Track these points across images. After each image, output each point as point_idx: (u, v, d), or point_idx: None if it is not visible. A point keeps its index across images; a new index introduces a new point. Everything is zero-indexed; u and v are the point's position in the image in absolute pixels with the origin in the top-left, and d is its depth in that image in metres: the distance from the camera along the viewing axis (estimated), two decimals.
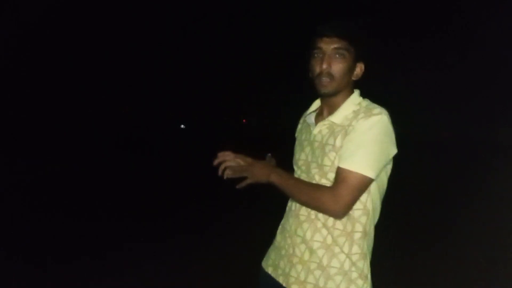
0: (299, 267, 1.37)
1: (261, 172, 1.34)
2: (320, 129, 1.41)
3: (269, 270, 1.47)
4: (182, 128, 26.68)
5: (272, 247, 1.53)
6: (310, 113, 1.50)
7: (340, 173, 1.29)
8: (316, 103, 1.51)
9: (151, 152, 12.23)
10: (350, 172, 1.27)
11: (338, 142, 1.34)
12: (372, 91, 1.46)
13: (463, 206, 5.92)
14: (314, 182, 1.37)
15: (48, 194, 6.27)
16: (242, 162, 1.36)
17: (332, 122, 1.39)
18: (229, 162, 1.35)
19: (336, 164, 1.32)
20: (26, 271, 3.34)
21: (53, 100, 19.60)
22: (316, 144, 1.40)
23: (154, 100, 25.36)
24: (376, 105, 1.36)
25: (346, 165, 1.28)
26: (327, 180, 1.34)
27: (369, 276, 1.37)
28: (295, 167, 1.49)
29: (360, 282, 1.34)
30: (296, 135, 1.58)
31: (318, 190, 1.32)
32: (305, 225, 1.38)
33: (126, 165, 9.34)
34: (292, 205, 1.45)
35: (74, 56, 20.61)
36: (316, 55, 1.37)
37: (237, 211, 5.44)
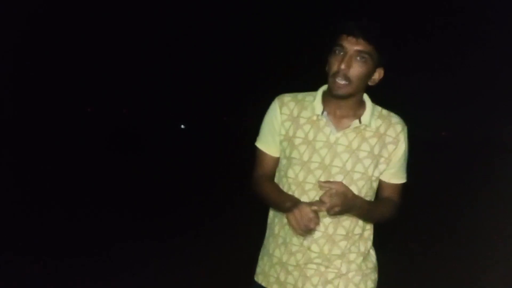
0: (315, 279, 1.37)
1: (354, 203, 1.26)
2: (345, 132, 1.34)
3: None
4: (182, 128, 26.68)
5: (267, 263, 1.46)
6: (318, 112, 1.37)
7: (390, 186, 1.42)
8: (319, 101, 1.38)
9: (151, 152, 12.22)
10: (399, 184, 1.44)
11: (376, 150, 1.34)
12: (371, 92, 1.45)
13: (464, 206, 5.92)
14: None
15: (46, 192, 6.27)
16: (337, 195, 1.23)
17: (361, 126, 1.34)
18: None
19: (371, 172, 1.35)
20: (23, 270, 3.33)
21: (53, 100, 19.60)
22: (341, 148, 1.33)
23: (154, 100, 25.36)
24: (391, 111, 1.43)
25: (397, 181, 1.42)
26: (356, 187, 1.33)
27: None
28: (299, 170, 1.36)
29: (375, 275, 1.47)
30: (282, 132, 1.39)
31: (389, 208, 1.42)
32: (322, 241, 1.35)
33: (126, 165, 9.33)
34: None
35: (74, 56, 20.61)
36: (337, 52, 1.29)
37: (236, 211, 5.43)
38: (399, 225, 4.64)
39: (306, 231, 1.21)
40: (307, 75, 1.51)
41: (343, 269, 1.38)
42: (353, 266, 1.39)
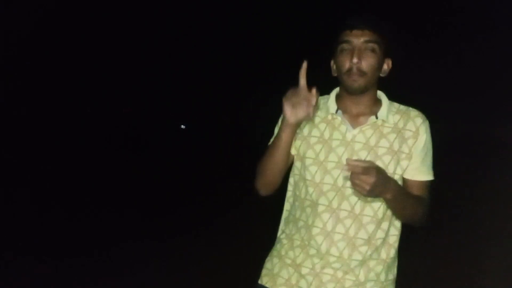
0: (330, 285, 1.30)
1: (388, 181, 1.16)
2: (362, 129, 1.30)
3: None
4: (182, 128, 26.67)
5: (278, 264, 1.39)
6: (332, 111, 1.35)
7: (415, 184, 1.32)
8: (333, 100, 1.36)
9: (151, 152, 12.22)
10: (425, 182, 1.33)
11: (395, 145, 1.28)
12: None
13: (462, 206, 5.92)
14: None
15: (46, 192, 6.27)
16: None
17: (378, 121, 1.30)
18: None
19: (392, 169, 1.28)
20: (23, 269, 3.34)
21: (54, 100, 19.60)
22: (359, 145, 1.29)
23: (154, 100, 25.36)
24: (409, 106, 1.37)
25: (421, 177, 1.32)
26: None
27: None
28: (315, 170, 1.31)
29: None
30: (297, 130, 1.35)
31: (421, 203, 1.31)
32: (341, 244, 1.28)
33: (126, 165, 9.34)
34: (315, 221, 1.31)
35: (75, 56, 20.61)
36: (344, 49, 1.27)
37: (237, 211, 5.43)
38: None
39: (309, 107, 1.18)
40: (311, 76, 1.46)
41: (361, 277, 1.30)
42: (372, 275, 1.32)
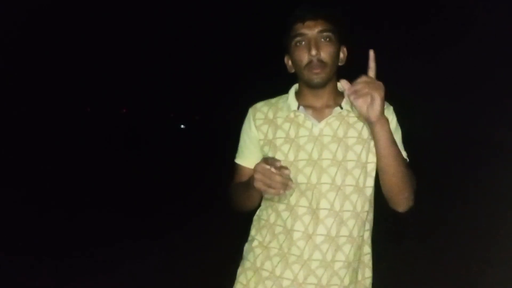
0: None
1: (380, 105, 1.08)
2: (328, 122, 1.25)
3: None
4: (182, 128, 26.67)
5: (254, 278, 1.30)
6: (294, 108, 1.29)
7: None
8: (293, 97, 1.31)
9: (150, 151, 12.23)
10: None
11: (364, 134, 1.23)
12: None
13: (460, 205, 5.92)
14: (330, 184, 1.22)
15: (45, 192, 6.28)
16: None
17: (343, 112, 1.25)
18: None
19: (364, 158, 1.23)
20: (16, 268, 3.36)
21: (52, 100, 19.60)
22: (327, 138, 1.23)
23: (154, 100, 25.35)
24: None
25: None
26: (352, 177, 1.22)
27: None
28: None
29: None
30: (260, 137, 1.30)
31: (411, 174, 1.21)
32: (324, 246, 1.22)
33: (126, 165, 9.34)
34: (294, 225, 1.24)
35: (74, 56, 20.61)
36: (299, 43, 1.21)
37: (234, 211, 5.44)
38: (396, 224, 4.67)
39: (278, 187, 1.03)
40: (286, 70, 1.40)
41: (346, 281, 1.25)
42: (354, 276, 1.28)
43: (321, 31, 1.20)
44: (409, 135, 1.50)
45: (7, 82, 17.10)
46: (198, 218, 5.09)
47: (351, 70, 1.27)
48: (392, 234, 4.11)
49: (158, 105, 25.65)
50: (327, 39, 1.21)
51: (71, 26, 19.73)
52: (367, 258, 1.32)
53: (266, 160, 1.06)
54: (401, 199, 1.22)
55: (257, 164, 1.06)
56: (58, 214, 5.11)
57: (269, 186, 1.04)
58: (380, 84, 1.07)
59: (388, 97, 1.16)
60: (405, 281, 3.33)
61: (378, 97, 1.05)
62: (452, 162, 9.90)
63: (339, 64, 1.28)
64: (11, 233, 4.26)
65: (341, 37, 1.25)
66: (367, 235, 1.30)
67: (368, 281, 1.32)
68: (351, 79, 1.17)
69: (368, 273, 1.32)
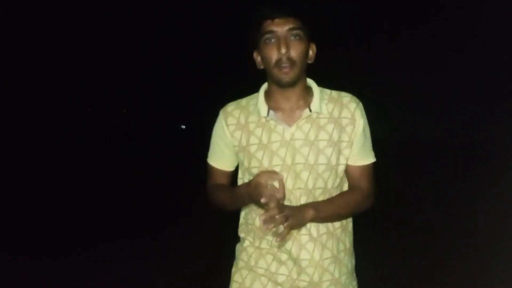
0: None
1: (304, 216, 1.17)
2: (298, 125, 1.25)
3: None
4: (182, 128, 26.66)
5: (249, 276, 1.33)
6: (264, 114, 1.29)
7: (357, 170, 1.30)
8: (262, 101, 1.30)
9: (150, 151, 12.23)
10: (367, 165, 1.31)
11: (335, 136, 1.25)
12: (364, 92, 1.43)
13: (462, 207, 5.92)
14: (303, 189, 1.25)
15: (43, 191, 6.29)
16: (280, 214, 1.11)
17: (313, 114, 1.25)
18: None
19: (335, 161, 1.25)
20: (16, 267, 3.39)
21: (52, 100, 19.61)
22: (299, 142, 1.24)
23: (154, 100, 25.35)
24: (341, 91, 1.33)
25: (363, 161, 1.31)
26: (322, 180, 1.25)
27: None
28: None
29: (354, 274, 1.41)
30: (234, 143, 1.31)
31: (354, 196, 1.29)
32: (310, 245, 1.27)
33: (126, 165, 9.35)
34: (278, 228, 1.23)
35: (74, 56, 20.61)
36: (268, 40, 1.20)
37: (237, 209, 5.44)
38: (397, 225, 4.68)
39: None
40: (254, 67, 1.40)
41: (336, 274, 1.31)
42: (344, 269, 1.34)
43: (290, 29, 1.19)
44: (414, 138, 1.52)
45: (7, 82, 17.10)
46: (197, 217, 5.10)
47: (319, 67, 1.33)
48: (395, 242, 4.13)
49: (158, 105, 25.64)
50: (297, 37, 1.20)
51: (71, 26, 19.75)
52: (350, 245, 1.37)
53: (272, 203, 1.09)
54: (357, 213, 1.34)
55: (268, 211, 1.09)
56: (58, 213, 5.13)
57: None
58: (294, 218, 1.12)
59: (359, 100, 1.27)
60: (408, 280, 3.34)
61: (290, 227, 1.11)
62: (455, 169, 9.89)
63: (308, 61, 1.27)
64: (11, 233, 4.26)
65: (310, 34, 1.24)
66: (346, 225, 1.35)
67: (353, 270, 1.40)
68: (319, 76, 1.24)
69: (353, 260, 1.40)
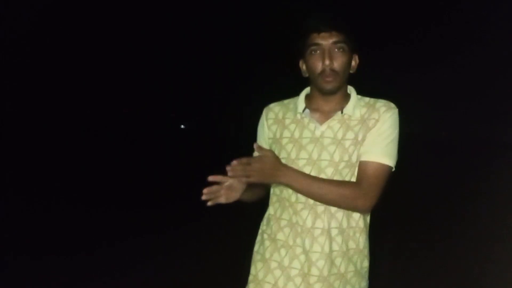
0: (318, 285, 1.32)
1: (269, 169, 1.22)
2: (329, 125, 1.33)
3: None
4: (182, 128, 26.71)
5: (263, 269, 1.40)
6: (300, 110, 1.39)
7: (361, 164, 1.30)
8: (302, 100, 1.41)
9: (151, 151, 12.24)
10: (373, 163, 1.29)
11: (360, 135, 1.30)
12: (371, 90, 1.42)
13: (464, 207, 5.91)
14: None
15: (47, 191, 6.28)
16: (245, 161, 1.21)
17: (345, 116, 1.33)
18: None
19: (355, 158, 1.30)
20: (21, 267, 3.36)
21: (53, 100, 19.62)
22: (327, 140, 1.32)
23: (154, 100, 25.39)
24: (380, 99, 1.38)
25: (369, 158, 1.29)
26: (340, 176, 1.30)
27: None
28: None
29: (367, 275, 1.42)
30: (270, 135, 1.43)
31: (344, 187, 1.28)
32: (321, 239, 1.31)
33: (127, 164, 9.35)
34: (296, 219, 1.34)
35: (74, 56, 20.63)
36: (314, 52, 1.30)
37: (238, 209, 5.43)
38: (399, 225, 4.67)
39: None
40: (300, 74, 1.50)
41: (342, 269, 1.35)
42: (351, 266, 1.35)
43: (335, 42, 1.29)
44: (421, 138, 1.51)
45: (8, 82, 17.12)
46: (202, 217, 5.08)
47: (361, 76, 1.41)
48: (397, 241, 4.11)
49: (158, 105, 25.68)
50: (341, 50, 1.30)
51: (71, 26, 19.76)
52: (363, 247, 1.37)
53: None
54: (344, 208, 1.32)
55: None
56: (60, 213, 5.13)
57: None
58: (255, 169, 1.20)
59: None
60: (409, 280, 3.32)
61: (253, 176, 1.20)
62: (459, 167, 9.90)
63: (351, 71, 1.37)
64: (11, 231, 4.26)
65: (353, 46, 1.34)
66: (361, 225, 1.36)
67: (364, 271, 1.40)
68: (361, 83, 1.32)
69: (365, 262, 1.40)
